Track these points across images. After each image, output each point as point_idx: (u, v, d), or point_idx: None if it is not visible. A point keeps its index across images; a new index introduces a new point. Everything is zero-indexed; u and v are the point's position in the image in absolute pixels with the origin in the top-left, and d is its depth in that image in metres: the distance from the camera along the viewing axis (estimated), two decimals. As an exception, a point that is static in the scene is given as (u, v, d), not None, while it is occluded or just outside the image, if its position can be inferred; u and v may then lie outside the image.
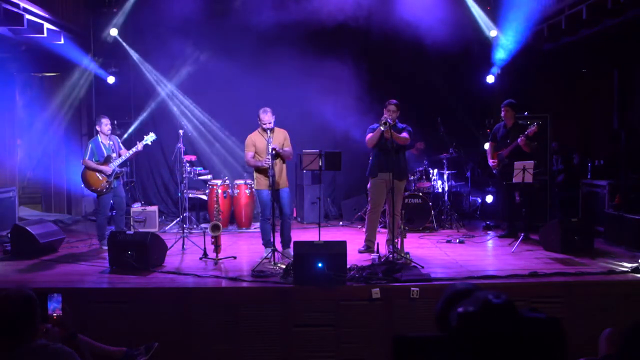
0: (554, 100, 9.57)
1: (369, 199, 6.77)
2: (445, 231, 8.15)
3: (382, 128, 6.27)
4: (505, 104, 7.43)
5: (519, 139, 7.01)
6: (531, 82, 9.48)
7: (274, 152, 6.05)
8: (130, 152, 7.03)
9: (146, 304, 5.02)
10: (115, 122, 9.59)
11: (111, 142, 7.06)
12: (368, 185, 6.77)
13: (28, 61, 9.49)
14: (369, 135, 6.55)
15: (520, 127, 7.26)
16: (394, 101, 6.50)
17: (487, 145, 7.98)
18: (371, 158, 6.74)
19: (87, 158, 6.93)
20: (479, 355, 1.51)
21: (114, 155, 6.99)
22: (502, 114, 7.45)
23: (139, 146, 7.03)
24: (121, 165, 7.13)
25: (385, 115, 6.35)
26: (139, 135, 8.89)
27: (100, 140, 7.01)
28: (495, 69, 9.50)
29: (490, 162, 7.54)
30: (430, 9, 8.60)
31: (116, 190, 7.03)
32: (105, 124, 7.01)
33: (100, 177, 6.88)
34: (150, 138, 7.11)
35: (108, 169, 6.88)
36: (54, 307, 3.07)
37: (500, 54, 9.37)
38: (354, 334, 4.96)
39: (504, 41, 9.24)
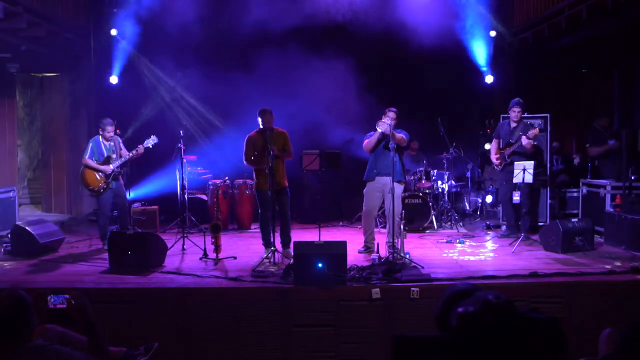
0: (554, 100, 9.58)
1: (363, 202, 6.74)
2: (445, 231, 8.14)
3: (378, 130, 6.28)
4: (515, 103, 7.34)
5: (523, 141, 7.00)
6: (531, 82, 9.48)
7: (273, 155, 6.03)
8: (131, 153, 7.03)
9: (146, 304, 5.02)
10: (115, 122, 9.58)
11: (112, 143, 7.05)
12: (364, 190, 6.73)
13: (28, 61, 9.49)
14: (366, 140, 6.56)
15: (525, 126, 7.27)
16: (394, 109, 6.53)
17: (487, 146, 7.98)
18: (369, 162, 6.74)
19: (87, 157, 6.93)
20: (479, 355, 1.50)
21: (114, 156, 6.99)
22: (514, 113, 7.33)
23: (140, 149, 7.02)
24: (121, 165, 7.13)
25: (383, 119, 6.35)
26: (139, 135, 8.88)
27: (101, 140, 7.01)
28: (495, 69, 9.50)
29: (493, 158, 7.53)
30: (430, 9, 8.60)
31: (117, 190, 7.02)
32: (108, 131, 6.99)
33: (98, 177, 6.88)
34: (151, 141, 7.10)
35: (108, 168, 6.88)
36: (58, 301, 3.04)
37: (500, 54, 9.38)
38: (354, 334, 4.96)
39: (504, 41, 9.25)
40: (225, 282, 5.31)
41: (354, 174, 9.68)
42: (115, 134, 7.33)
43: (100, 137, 7.03)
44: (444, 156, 8.78)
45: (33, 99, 11.37)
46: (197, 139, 9.68)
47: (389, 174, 6.10)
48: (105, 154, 6.95)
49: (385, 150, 6.34)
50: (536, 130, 7.04)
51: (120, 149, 7.11)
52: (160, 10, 8.75)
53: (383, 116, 6.45)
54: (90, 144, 7.03)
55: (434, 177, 8.69)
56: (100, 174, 6.87)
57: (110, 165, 6.90)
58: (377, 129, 6.31)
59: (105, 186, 6.88)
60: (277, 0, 8.66)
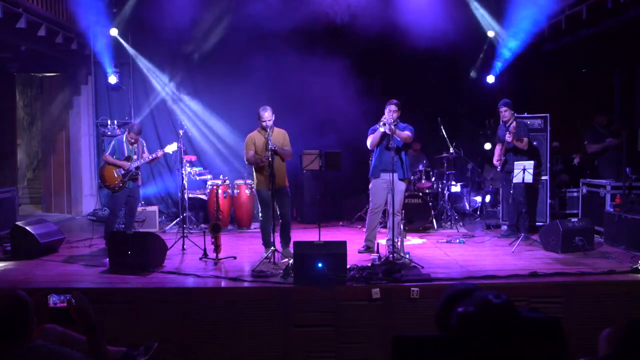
0: (554, 100, 9.57)
1: (369, 199, 6.77)
2: (445, 231, 8.14)
3: (380, 130, 6.27)
4: (501, 104, 7.43)
5: (507, 137, 7.08)
6: (531, 82, 9.48)
7: (273, 150, 6.04)
8: (151, 156, 7.04)
9: (146, 304, 5.02)
10: (115, 122, 9.60)
11: (136, 145, 7.06)
12: (369, 186, 6.76)
13: (28, 61, 9.49)
14: (370, 136, 6.55)
15: (519, 124, 7.29)
16: (395, 101, 6.49)
17: (487, 146, 8.00)
18: (373, 159, 6.74)
19: (108, 153, 6.98)
20: (478, 355, 1.50)
21: (135, 157, 6.99)
22: (502, 113, 7.42)
23: (160, 153, 7.05)
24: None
25: (384, 116, 6.34)
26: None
27: (124, 140, 7.01)
28: (496, 69, 9.49)
29: (495, 161, 7.54)
30: (431, 9, 8.59)
31: (132, 191, 7.04)
32: (132, 137, 6.95)
33: (116, 175, 6.89)
34: (172, 148, 7.11)
35: (127, 163, 6.88)
36: (58, 300, 3.05)
37: (500, 54, 9.38)
38: (354, 334, 4.96)
39: (504, 41, 9.24)
40: (225, 282, 5.31)
41: (354, 174, 9.70)
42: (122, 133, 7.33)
43: (124, 137, 7.05)
44: (444, 156, 8.78)
45: (33, 99, 11.39)
46: (197, 139, 9.68)
47: (393, 170, 6.10)
48: (126, 154, 6.96)
49: (388, 147, 6.33)
50: (514, 123, 7.10)
51: (143, 152, 7.11)
52: (160, 11, 8.75)
53: (386, 110, 6.44)
54: (113, 142, 7.07)
55: (433, 177, 8.69)
56: (118, 171, 6.87)
57: (129, 164, 6.90)
58: (379, 128, 6.30)
59: (121, 184, 6.89)
60: (275, 2, 8.66)
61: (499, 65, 9.47)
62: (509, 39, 9.22)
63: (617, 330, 2.45)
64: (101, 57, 9.58)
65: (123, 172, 6.89)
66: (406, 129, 6.48)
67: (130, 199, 7.08)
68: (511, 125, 7.07)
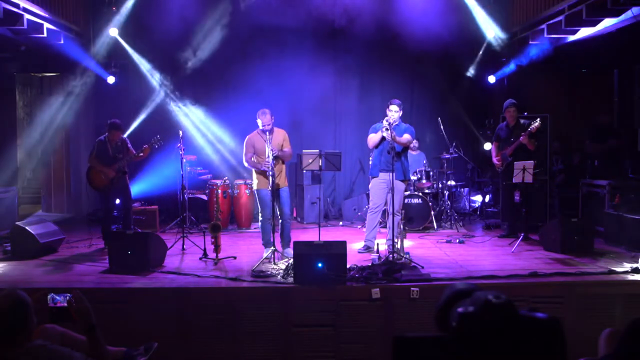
0: (554, 100, 9.57)
1: (369, 198, 6.77)
2: (445, 231, 8.14)
3: (381, 134, 6.27)
4: (510, 104, 7.42)
5: (521, 137, 7.04)
6: (531, 82, 9.48)
7: (273, 155, 6.03)
8: (137, 154, 7.01)
9: (146, 304, 5.02)
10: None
11: (119, 143, 7.03)
12: (369, 185, 6.77)
13: (28, 61, 9.49)
14: (371, 135, 6.55)
15: (522, 126, 7.28)
16: (397, 101, 6.49)
17: (487, 146, 7.97)
18: (372, 158, 6.75)
19: (92, 156, 6.94)
20: (478, 355, 1.50)
21: (120, 155, 6.97)
22: (509, 114, 7.43)
23: (146, 149, 7.00)
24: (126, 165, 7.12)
25: (386, 118, 6.34)
26: (138, 134, 8.89)
27: (107, 140, 6.99)
28: (501, 71, 9.49)
29: (495, 160, 7.55)
30: (431, 9, 8.60)
31: (121, 190, 7.02)
32: (113, 134, 6.92)
33: (103, 177, 6.87)
34: (156, 141, 7.10)
35: (111, 171, 6.87)
36: (58, 299, 3.05)
37: (500, 54, 9.38)
38: (354, 334, 4.96)
39: (504, 41, 9.25)
40: (225, 282, 5.31)
41: (354, 174, 9.71)
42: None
43: (105, 137, 7.02)
44: (444, 156, 8.78)
45: (33, 99, 11.37)
46: (197, 139, 9.68)
47: (392, 170, 6.10)
48: (111, 154, 6.93)
49: (388, 147, 6.33)
50: (538, 124, 7.04)
51: (128, 149, 7.08)
52: (159, 12, 8.76)
53: (387, 110, 6.44)
54: (96, 144, 7.02)
55: (433, 177, 8.69)
56: (105, 173, 6.86)
57: (115, 165, 6.89)
58: (380, 132, 6.30)
59: (110, 185, 6.87)
60: (275, 5, 8.67)
61: (498, 65, 9.46)
62: (508, 39, 9.22)
63: (617, 330, 2.46)
64: (101, 57, 9.58)
65: (111, 176, 6.86)
66: (407, 131, 6.49)
67: (122, 198, 7.07)
68: (533, 126, 7.02)
